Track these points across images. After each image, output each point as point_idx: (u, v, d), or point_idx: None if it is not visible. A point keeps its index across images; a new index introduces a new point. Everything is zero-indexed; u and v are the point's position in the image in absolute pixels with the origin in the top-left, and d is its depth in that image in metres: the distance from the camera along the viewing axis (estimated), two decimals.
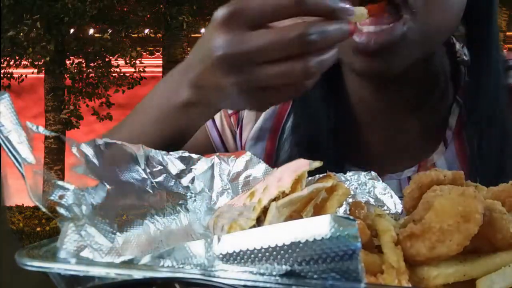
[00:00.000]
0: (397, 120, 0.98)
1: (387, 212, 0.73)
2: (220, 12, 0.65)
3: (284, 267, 0.40)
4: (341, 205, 0.58)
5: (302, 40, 0.62)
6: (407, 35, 0.80)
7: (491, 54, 0.94)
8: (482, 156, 0.92)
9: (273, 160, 1.04)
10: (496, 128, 0.92)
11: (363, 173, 0.77)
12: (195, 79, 0.71)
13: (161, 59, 9.78)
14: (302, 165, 0.56)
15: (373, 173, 0.77)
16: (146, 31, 9.94)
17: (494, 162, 0.92)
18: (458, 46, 1.01)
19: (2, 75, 8.94)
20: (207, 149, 1.06)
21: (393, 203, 0.75)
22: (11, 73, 9.12)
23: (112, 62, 9.27)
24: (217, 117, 1.10)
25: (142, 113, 0.85)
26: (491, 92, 0.94)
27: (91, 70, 9.24)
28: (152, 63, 11.06)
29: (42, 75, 9.19)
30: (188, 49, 9.92)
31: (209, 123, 1.09)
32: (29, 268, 0.46)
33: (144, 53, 9.68)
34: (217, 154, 0.75)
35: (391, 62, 0.83)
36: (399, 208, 0.74)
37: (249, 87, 0.67)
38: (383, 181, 0.87)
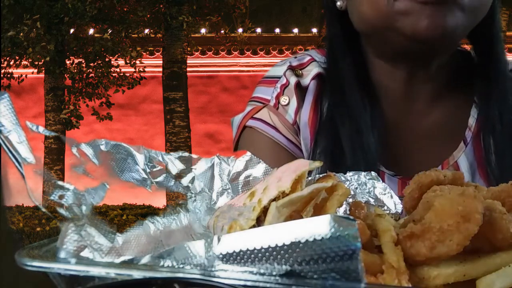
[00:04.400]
0: (421, 118, 1.01)
1: (387, 212, 0.73)
2: None
3: (284, 267, 0.40)
4: (341, 205, 0.58)
5: None
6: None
7: (496, 54, 1.00)
8: (496, 155, 0.96)
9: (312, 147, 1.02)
10: (507, 128, 0.96)
11: (363, 173, 0.76)
12: None
13: (161, 59, 9.76)
14: (302, 165, 0.56)
15: (373, 173, 0.77)
16: (146, 31, 9.92)
17: (508, 160, 0.95)
18: (472, 53, 1.05)
19: (2, 75, 8.92)
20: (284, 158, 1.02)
21: (393, 203, 0.74)
22: (11, 73, 9.10)
23: (112, 62, 9.25)
24: (281, 128, 1.05)
25: None
26: (500, 93, 0.98)
27: (91, 70, 9.22)
28: (152, 63, 11.06)
29: (42, 75, 9.17)
30: (188, 49, 9.93)
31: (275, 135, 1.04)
32: (29, 268, 0.46)
33: (144, 53, 9.66)
34: (217, 154, 0.75)
35: (456, 18, 0.86)
36: (399, 208, 0.74)
37: None
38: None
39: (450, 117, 1.02)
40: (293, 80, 1.04)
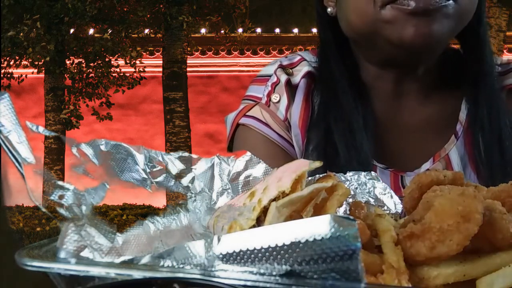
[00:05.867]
0: (412, 114, 1.03)
1: (387, 212, 0.73)
2: None
3: (284, 267, 0.40)
4: (341, 205, 0.58)
5: None
6: (448, 7, 0.86)
7: (483, 56, 1.01)
8: (484, 153, 0.98)
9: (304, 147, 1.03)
10: (495, 128, 0.98)
11: (363, 173, 0.77)
12: None
13: (161, 59, 9.76)
14: (302, 165, 0.56)
15: (373, 173, 0.77)
16: (146, 31, 9.92)
17: (496, 158, 0.97)
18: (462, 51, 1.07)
19: (2, 75, 8.92)
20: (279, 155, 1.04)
21: (393, 203, 0.75)
22: (11, 73, 9.09)
23: (112, 62, 9.24)
24: (273, 125, 1.06)
25: None
26: (487, 95, 1.00)
27: (91, 70, 9.21)
28: (152, 63, 11.06)
29: (42, 75, 9.16)
30: (188, 49, 9.92)
31: (267, 131, 1.06)
32: (29, 268, 0.46)
33: (144, 53, 9.66)
34: (217, 154, 0.75)
35: (442, 26, 0.87)
36: (399, 208, 0.74)
37: None
38: (405, 180, 0.95)
39: (441, 111, 1.04)
40: (283, 78, 1.07)
